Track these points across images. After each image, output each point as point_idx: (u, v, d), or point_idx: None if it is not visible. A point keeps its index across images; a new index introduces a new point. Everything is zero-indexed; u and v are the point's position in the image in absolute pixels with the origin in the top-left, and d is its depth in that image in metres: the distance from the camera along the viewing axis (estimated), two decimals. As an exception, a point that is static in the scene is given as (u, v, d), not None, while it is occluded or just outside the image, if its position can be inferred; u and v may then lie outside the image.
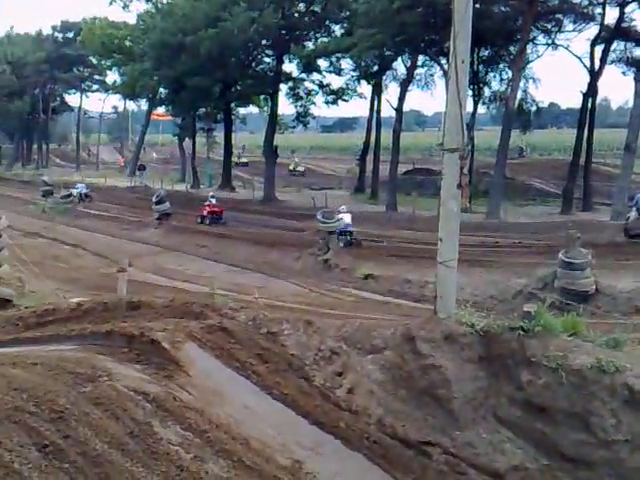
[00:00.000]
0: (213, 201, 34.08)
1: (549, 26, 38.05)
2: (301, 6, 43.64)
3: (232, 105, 52.43)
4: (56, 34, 77.80)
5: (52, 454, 4.62)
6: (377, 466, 6.19)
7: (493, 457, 6.41)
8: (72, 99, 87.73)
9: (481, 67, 40.32)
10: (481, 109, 44.42)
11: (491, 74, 41.75)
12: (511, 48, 38.59)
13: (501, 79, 41.71)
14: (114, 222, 35.31)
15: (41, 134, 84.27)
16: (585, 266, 16.13)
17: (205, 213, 33.37)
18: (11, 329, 9.62)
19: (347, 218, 25.40)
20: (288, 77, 46.76)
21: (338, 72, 44.69)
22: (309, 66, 44.22)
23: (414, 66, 40.59)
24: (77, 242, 29.17)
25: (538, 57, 40.62)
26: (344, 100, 46.40)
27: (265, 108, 53.22)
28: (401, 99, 40.57)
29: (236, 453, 5.58)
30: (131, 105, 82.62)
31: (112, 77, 66.23)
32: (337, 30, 43.32)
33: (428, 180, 43.34)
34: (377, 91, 46.26)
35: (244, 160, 65.64)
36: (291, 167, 62.72)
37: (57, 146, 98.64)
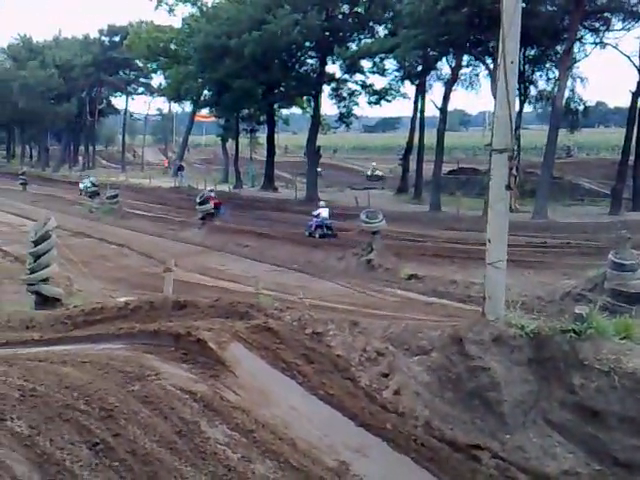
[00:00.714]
0: (211, 194, 35.75)
1: (597, 25, 37.36)
2: (345, 8, 43.67)
3: (275, 106, 52.71)
4: (103, 38, 79.06)
5: (102, 452, 4.64)
6: (425, 469, 6.09)
7: (544, 461, 6.27)
8: (118, 102, 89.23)
9: (527, 66, 39.75)
10: (527, 108, 43.82)
11: (537, 73, 41.19)
12: (558, 47, 37.98)
13: (547, 78, 41.14)
14: (159, 222, 35.70)
15: (88, 136, 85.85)
16: (636, 267, 15.71)
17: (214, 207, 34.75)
18: (60, 328, 9.78)
19: (325, 212, 28.68)
20: (331, 78, 46.86)
21: (381, 72, 44.64)
22: (352, 67, 44.23)
23: (459, 66, 40.33)
24: (123, 242, 29.50)
25: (586, 56, 39.98)
26: (387, 100, 46.30)
27: (308, 109, 53.36)
28: (445, 99, 40.36)
29: (283, 454, 5.56)
30: (175, 107, 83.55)
31: (157, 80, 67.40)
32: (381, 31, 43.34)
33: (473, 180, 43.02)
34: (421, 91, 46.04)
35: (379, 173, 60.95)
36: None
37: (103, 148, 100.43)
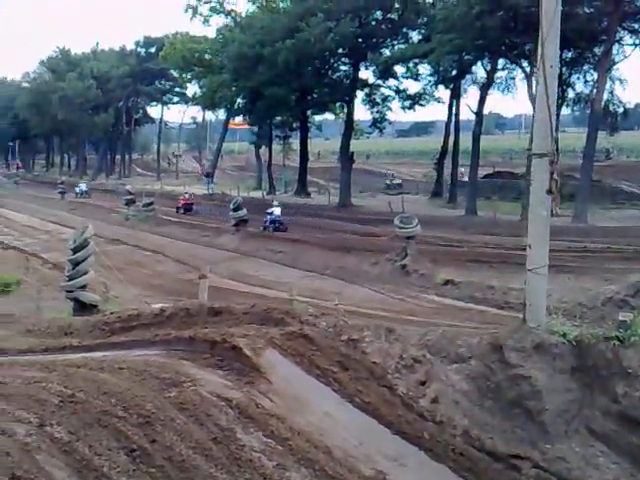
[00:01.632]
0: (187, 196, 43.87)
1: (636, 26, 36.73)
2: (378, 14, 43.68)
3: (308, 113, 52.84)
4: (139, 49, 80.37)
5: (140, 458, 4.64)
6: (463, 479, 5.99)
7: (586, 472, 6.12)
8: (153, 111, 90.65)
9: (565, 69, 39.23)
10: (564, 111, 43.27)
11: (575, 76, 40.60)
12: (596, 49, 37.46)
13: (586, 81, 40.52)
14: (193, 229, 35.96)
15: (124, 145, 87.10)
16: (680, 272, 15.40)
17: (180, 204, 42.72)
18: (98, 334, 9.86)
19: (277, 211, 33.46)
20: (364, 84, 46.89)
21: (415, 77, 44.50)
22: (386, 72, 44.18)
23: (494, 70, 40.00)
24: (158, 248, 29.78)
25: (625, 58, 39.27)
26: (421, 105, 46.22)
27: (341, 115, 53.41)
28: (481, 103, 40.11)
29: (318, 462, 5.49)
30: (209, 115, 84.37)
31: (192, 89, 67.91)
32: (414, 36, 43.20)
33: (509, 184, 42.57)
34: (455, 95, 45.78)
35: (397, 182, 60.45)
36: (387, 181, 60.86)
37: (139, 156, 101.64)
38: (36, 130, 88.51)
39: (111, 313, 11.27)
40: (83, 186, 59.57)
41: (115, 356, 7.31)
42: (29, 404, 4.78)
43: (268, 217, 33.29)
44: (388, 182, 60.27)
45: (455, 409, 6.70)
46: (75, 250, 16.13)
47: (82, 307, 15.58)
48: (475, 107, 40.77)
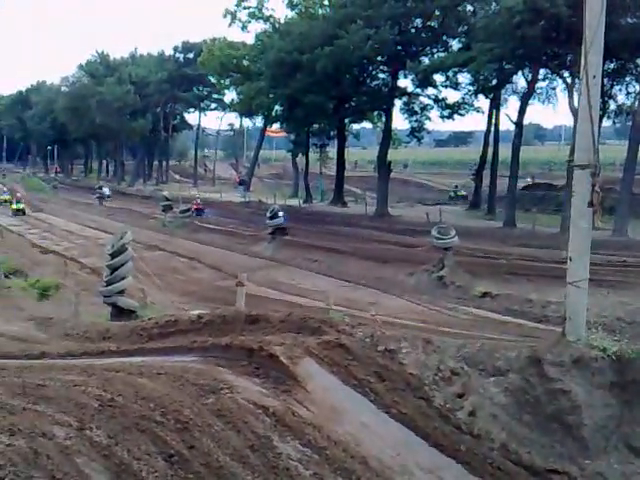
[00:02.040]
0: (198, 201, 47.12)
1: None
2: (418, 22, 43.54)
3: (346, 121, 52.86)
4: (177, 55, 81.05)
5: (177, 464, 4.66)
6: (500, 493, 5.92)
7: (625, 489, 6.01)
8: (191, 117, 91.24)
9: (606, 80, 38.68)
10: (605, 123, 42.62)
11: (617, 87, 40.00)
12: (638, 60, 36.90)
13: (628, 92, 39.89)
14: (229, 236, 36.19)
15: (161, 151, 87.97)
16: None
17: (193, 208, 45.14)
18: (135, 339, 9.96)
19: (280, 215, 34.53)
20: (403, 92, 46.74)
21: (455, 86, 44.25)
22: (425, 81, 43.98)
23: (535, 80, 39.59)
24: (194, 255, 29.98)
25: (670, 69, 38.61)
26: (460, 114, 45.84)
27: (378, 123, 53.34)
28: (521, 113, 39.72)
29: (355, 472, 5.47)
30: (246, 122, 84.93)
31: (230, 96, 68.49)
32: (454, 44, 43.01)
33: (549, 195, 42.10)
34: (495, 105, 45.43)
35: (462, 193, 57.75)
36: (452, 194, 59.16)
37: (176, 162, 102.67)
38: (75, 134, 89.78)
39: (149, 319, 11.39)
40: (106, 190, 62.86)
41: (153, 361, 7.37)
42: (69, 407, 4.83)
43: (272, 222, 34.01)
44: (452, 194, 59.01)
45: (493, 422, 6.62)
46: (113, 255, 16.31)
47: (120, 312, 15.74)
48: (515, 117, 40.41)
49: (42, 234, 38.53)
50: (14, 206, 49.87)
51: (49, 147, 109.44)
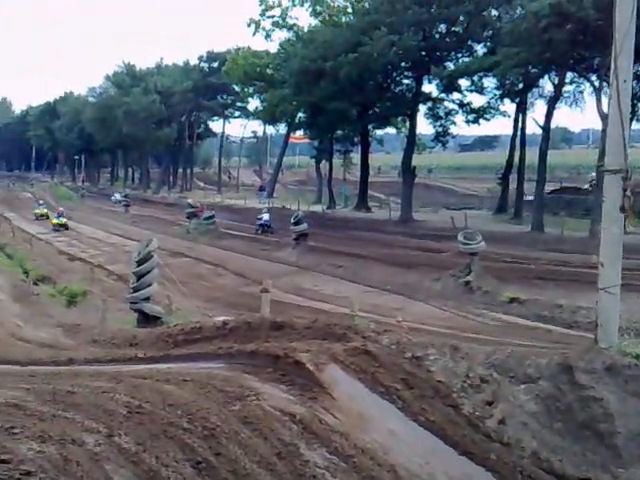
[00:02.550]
0: (199, 205, 48.07)
1: None
2: (442, 27, 43.40)
3: (369, 127, 52.81)
4: (202, 64, 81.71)
5: (205, 471, 4.64)
6: (531, 502, 5.82)
7: (661, 499, 5.88)
8: (215, 125, 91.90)
9: (635, 82, 38.22)
10: (635, 125, 42.05)
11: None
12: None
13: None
14: (253, 242, 36.29)
15: (186, 159, 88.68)
16: None
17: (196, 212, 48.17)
18: (161, 346, 10.00)
19: (266, 216, 40.58)
20: (427, 97, 46.60)
21: (480, 91, 44.01)
22: (450, 86, 43.83)
23: (562, 83, 39.25)
24: (218, 262, 30.10)
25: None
26: (485, 119, 45.64)
27: (402, 129, 53.23)
28: (548, 117, 39.37)
29: (383, 481, 5.42)
30: (270, 129, 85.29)
31: (253, 103, 68.86)
32: (479, 49, 42.83)
33: (577, 200, 41.65)
34: (521, 109, 45.09)
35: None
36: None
37: (200, 170, 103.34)
38: (102, 144, 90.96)
39: (174, 325, 11.44)
40: (118, 195, 68.70)
41: (179, 368, 7.39)
42: (98, 414, 4.84)
43: (259, 222, 40.22)
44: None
45: (523, 430, 6.52)
46: (139, 262, 16.44)
47: (146, 318, 15.85)
48: (542, 121, 40.08)
49: (70, 242, 38.93)
50: (55, 220, 47.47)
51: (76, 156, 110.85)
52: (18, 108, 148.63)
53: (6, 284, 24.86)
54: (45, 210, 53.97)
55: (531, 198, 40.41)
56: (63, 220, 47.40)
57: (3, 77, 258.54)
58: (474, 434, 6.42)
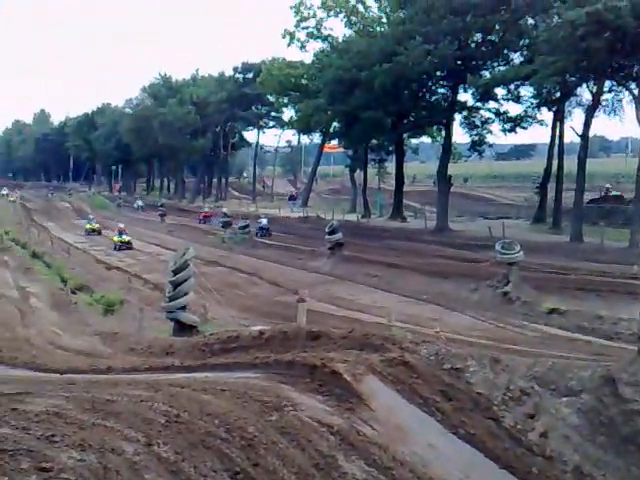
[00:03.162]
0: (206, 210, 57.23)
1: None
2: (478, 36, 43.15)
3: (404, 136, 52.68)
4: (237, 75, 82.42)
5: (243, 481, 4.62)
6: (574, 517, 5.69)
7: None
8: (250, 135, 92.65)
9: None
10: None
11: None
12: None
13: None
14: (288, 252, 36.31)
15: (221, 169, 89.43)
16: None
17: (201, 217, 56.52)
18: (198, 354, 10.03)
19: (264, 221, 45.85)
20: (463, 106, 46.31)
21: (517, 100, 43.63)
22: (486, 95, 43.52)
23: (600, 92, 38.71)
24: (253, 271, 30.17)
25: None
26: (523, 128, 45.16)
27: (438, 138, 53.00)
28: (586, 125, 38.80)
29: (422, 494, 5.34)
30: (304, 139, 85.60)
31: (288, 113, 69.29)
32: (515, 58, 42.48)
33: (616, 209, 40.95)
34: (559, 117, 44.58)
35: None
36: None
37: (235, 179, 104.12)
38: (138, 154, 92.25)
39: (210, 334, 11.49)
40: (140, 202, 73.59)
41: (216, 377, 7.39)
42: (136, 423, 4.84)
43: (258, 227, 44.76)
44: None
45: (565, 444, 6.39)
46: (176, 272, 16.54)
47: (182, 327, 15.93)
48: (579, 129, 39.56)
49: (106, 251, 39.40)
50: (117, 238, 42.21)
51: (113, 166, 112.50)
52: (56, 119, 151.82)
53: (45, 292, 25.27)
54: (97, 225, 50.89)
55: (570, 207, 39.82)
56: (126, 238, 42.34)
57: (42, 88, 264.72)
58: (515, 447, 6.32)
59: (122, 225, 43.61)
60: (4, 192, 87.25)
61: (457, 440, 6.31)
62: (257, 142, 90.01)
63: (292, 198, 68.77)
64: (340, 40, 51.39)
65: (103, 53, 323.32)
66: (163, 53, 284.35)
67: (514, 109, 54.77)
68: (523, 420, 6.59)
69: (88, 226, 50.38)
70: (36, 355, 13.49)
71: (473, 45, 43.32)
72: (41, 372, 11.03)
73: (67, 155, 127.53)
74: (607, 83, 38.80)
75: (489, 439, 6.32)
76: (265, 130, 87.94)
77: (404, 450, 5.90)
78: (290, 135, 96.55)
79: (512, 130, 45.55)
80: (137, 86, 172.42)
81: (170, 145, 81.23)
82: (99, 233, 49.25)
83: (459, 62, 42.23)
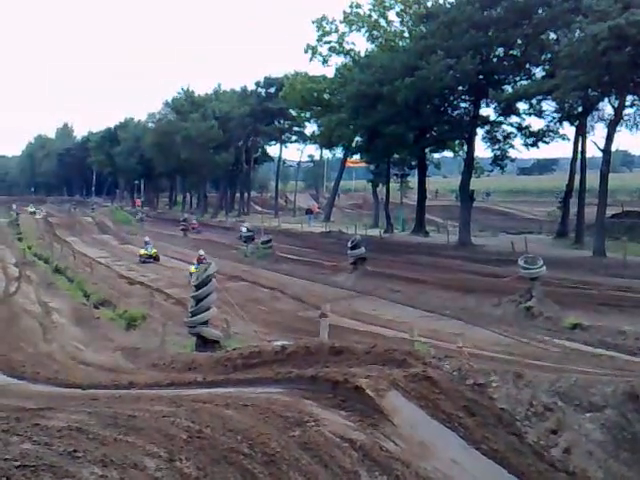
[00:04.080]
0: (194, 222, 60.91)
1: None
2: (499, 51, 43.07)
3: (426, 150, 52.61)
4: (259, 89, 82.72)
5: (267, 498, 4.63)
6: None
7: None
8: (272, 150, 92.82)
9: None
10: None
11: None
12: None
13: None
14: (310, 266, 36.26)
15: (243, 183, 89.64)
16: None
17: (191, 227, 60.21)
18: (220, 370, 10.06)
19: (244, 229, 47.12)
20: (485, 121, 46.15)
21: (539, 114, 43.44)
22: (508, 109, 43.37)
23: (622, 106, 38.43)
24: (275, 285, 30.13)
25: None
26: (545, 142, 44.88)
27: (460, 152, 52.87)
28: (608, 140, 38.49)
29: (445, 511, 5.31)
30: (327, 153, 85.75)
31: (310, 128, 69.47)
32: (537, 72, 42.34)
33: (638, 224, 40.56)
34: (581, 132, 44.31)
35: None
36: None
37: (257, 194, 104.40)
38: (160, 169, 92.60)
39: (233, 349, 11.52)
40: (140, 214, 77.61)
41: (239, 393, 7.40)
42: (158, 438, 4.85)
43: (241, 232, 47.39)
44: None
45: (589, 460, 6.34)
46: (198, 286, 16.63)
47: (204, 342, 15.99)
48: (601, 144, 39.25)
49: (129, 265, 39.64)
50: (143, 251, 41.19)
51: (136, 181, 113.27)
52: (79, 134, 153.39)
53: (67, 307, 25.44)
54: (154, 250, 41.87)
55: (592, 222, 39.48)
56: (153, 250, 40.97)
57: (65, 103, 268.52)
58: (539, 463, 6.29)
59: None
60: (31, 210, 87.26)
61: (480, 456, 6.28)
62: (279, 157, 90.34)
63: (309, 212, 68.84)
64: (362, 55, 51.53)
65: (126, 67, 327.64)
66: (186, 68, 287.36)
67: (536, 123, 54.63)
68: (546, 436, 6.56)
69: (143, 252, 41.74)
70: (58, 370, 13.63)
71: (495, 60, 43.21)
72: (63, 387, 11.13)
73: (90, 170, 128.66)
74: (629, 97, 38.56)
75: (512, 455, 6.29)
76: (287, 145, 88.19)
77: (427, 466, 5.88)
78: (312, 150, 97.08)
79: (534, 145, 45.32)
80: (160, 100, 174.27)
81: (192, 160, 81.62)
82: (156, 259, 41.26)
83: (481, 77, 42.14)
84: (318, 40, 53.22)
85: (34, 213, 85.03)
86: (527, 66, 42.37)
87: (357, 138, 53.37)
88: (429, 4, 48.04)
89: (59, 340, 19.53)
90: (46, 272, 35.74)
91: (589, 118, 43.13)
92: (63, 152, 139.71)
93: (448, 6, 44.32)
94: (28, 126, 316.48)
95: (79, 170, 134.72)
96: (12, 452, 3.98)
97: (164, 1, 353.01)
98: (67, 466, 3.96)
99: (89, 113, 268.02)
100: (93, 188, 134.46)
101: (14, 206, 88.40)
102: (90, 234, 62.52)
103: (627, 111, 39.79)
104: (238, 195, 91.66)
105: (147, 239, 43.19)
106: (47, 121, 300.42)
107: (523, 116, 44.69)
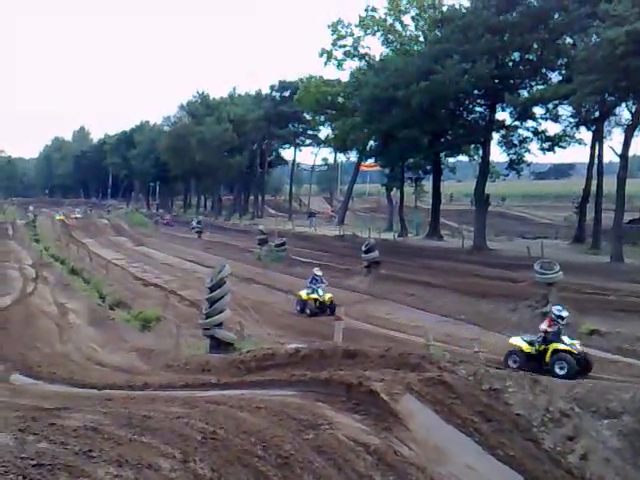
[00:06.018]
0: (168, 217, 70.98)
1: None
2: (515, 55, 42.87)
3: (441, 155, 52.44)
4: (274, 93, 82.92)
5: (279, 500, 4.60)
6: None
7: None
8: (286, 153, 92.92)
9: None
10: None
11: None
12: None
13: None
14: (324, 269, 36.10)
15: (257, 186, 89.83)
16: None
17: (164, 222, 70.45)
18: (234, 372, 10.05)
19: (195, 222, 57.89)
20: (501, 125, 45.91)
21: (555, 119, 43.19)
22: (524, 114, 43.11)
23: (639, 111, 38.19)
24: (289, 288, 30.11)
25: None
26: (561, 147, 44.59)
27: (475, 156, 52.67)
28: (626, 145, 38.22)
29: (460, 516, 5.26)
30: (340, 157, 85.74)
31: (324, 132, 69.51)
32: (553, 77, 42.11)
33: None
34: (598, 137, 44.01)
35: None
36: None
37: (271, 197, 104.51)
38: (175, 172, 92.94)
39: (247, 352, 11.50)
40: (156, 217, 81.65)
41: (252, 395, 7.39)
42: (173, 439, 4.84)
43: (192, 224, 58.06)
44: None
45: (606, 467, 6.27)
46: (212, 288, 16.63)
47: (218, 344, 15.98)
48: (619, 149, 38.98)
49: (144, 267, 39.77)
50: (305, 295, 25.24)
51: (151, 184, 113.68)
52: (96, 136, 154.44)
53: (83, 308, 25.56)
54: (329, 295, 25.16)
55: (609, 227, 39.18)
56: (327, 296, 24.72)
57: (81, 106, 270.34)
58: (555, 470, 6.22)
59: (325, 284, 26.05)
60: (59, 216, 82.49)
61: (495, 461, 6.22)
62: (294, 160, 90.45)
63: (311, 215, 68.99)
64: (377, 59, 51.57)
65: (142, 71, 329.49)
66: (201, 71, 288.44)
67: (552, 128, 54.23)
68: (563, 442, 6.49)
69: (310, 295, 25.49)
70: (74, 371, 13.69)
71: (511, 64, 43.02)
72: (79, 388, 11.17)
73: (106, 172, 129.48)
74: (647, 102, 38.28)
75: (528, 461, 6.23)
76: (302, 148, 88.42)
77: (442, 471, 5.84)
78: (327, 153, 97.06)
79: (550, 149, 45.02)
80: (175, 104, 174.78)
81: (207, 163, 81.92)
82: (332, 311, 18.16)
83: (496, 81, 41.94)
84: (333, 44, 53.36)
85: (66, 217, 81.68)
86: (543, 70, 42.19)
87: (371, 142, 53.36)
88: (444, 8, 48.02)
89: (75, 341, 19.63)
90: (62, 273, 35.94)
91: (606, 123, 42.89)
92: (79, 155, 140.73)
93: (464, 10, 44.15)
94: (45, 129, 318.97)
95: (95, 172, 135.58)
96: (28, 451, 3.98)
97: (181, 5, 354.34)
98: (82, 465, 3.96)
99: (106, 116, 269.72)
100: (109, 190, 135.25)
101: (31, 207, 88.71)
102: (106, 236, 62.82)
103: (644, 116, 39.52)
104: (252, 198, 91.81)
105: (318, 272, 26.79)
106: (64, 124, 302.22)
107: (539, 120, 44.44)
